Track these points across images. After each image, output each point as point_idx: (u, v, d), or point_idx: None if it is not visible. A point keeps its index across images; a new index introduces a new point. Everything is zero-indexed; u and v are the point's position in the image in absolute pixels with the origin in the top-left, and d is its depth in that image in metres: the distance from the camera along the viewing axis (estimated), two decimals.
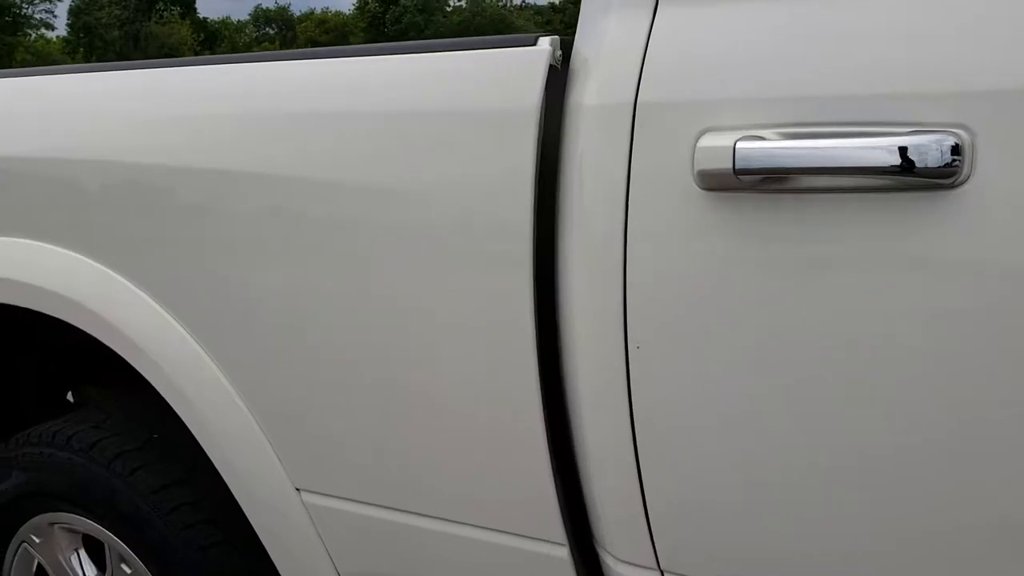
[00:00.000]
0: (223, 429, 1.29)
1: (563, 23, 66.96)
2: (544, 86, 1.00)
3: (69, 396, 2.11)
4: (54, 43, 53.00)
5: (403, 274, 1.09)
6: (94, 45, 51.40)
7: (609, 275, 0.96)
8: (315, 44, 61.97)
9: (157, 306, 1.29)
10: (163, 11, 55.41)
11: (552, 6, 71.51)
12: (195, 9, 60.41)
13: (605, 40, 0.99)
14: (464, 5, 62.12)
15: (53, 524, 1.59)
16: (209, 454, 1.32)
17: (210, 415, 1.29)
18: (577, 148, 0.99)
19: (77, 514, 1.53)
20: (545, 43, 1.02)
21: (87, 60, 48.47)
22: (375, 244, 1.10)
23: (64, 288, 1.34)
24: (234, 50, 57.68)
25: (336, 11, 70.46)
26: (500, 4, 64.40)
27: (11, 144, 1.44)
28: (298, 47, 59.73)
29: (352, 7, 66.73)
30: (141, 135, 1.28)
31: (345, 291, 1.14)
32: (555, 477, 1.07)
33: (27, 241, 1.39)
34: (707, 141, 0.89)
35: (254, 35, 66.92)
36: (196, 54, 51.93)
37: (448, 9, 61.32)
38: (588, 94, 0.99)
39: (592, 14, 1.03)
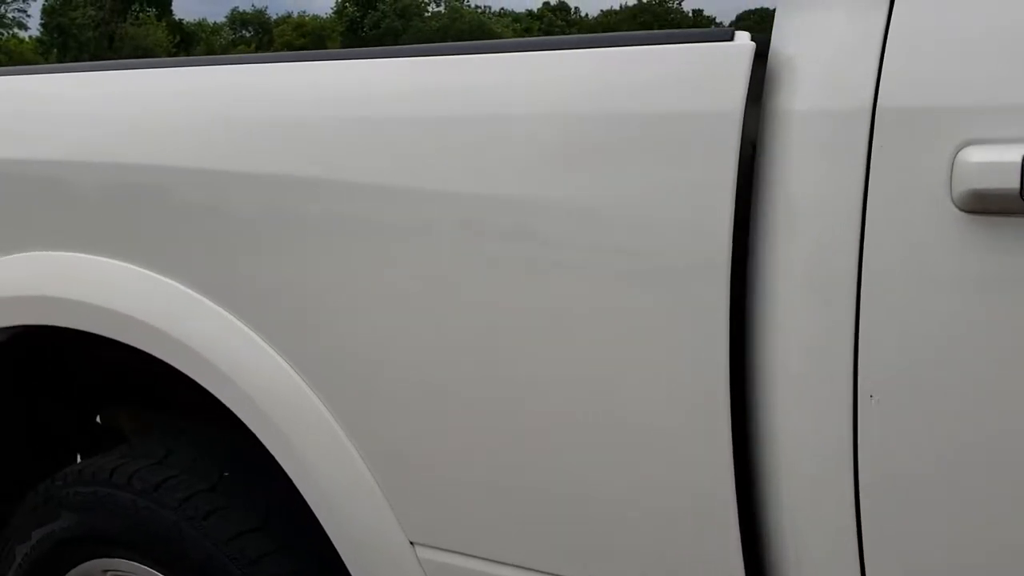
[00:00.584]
0: (326, 471, 1.13)
1: (541, 30, 67.14)
2: (747, 87, 0.86)
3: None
4: (27, 43, 52.16)
5: (556, 296, 0.95)
6: (68, 46, 50.64)
7: (836, 312, 0.82)
8: (291, 48, 61.56)
9: (249, 331, 1.13)
10: (138, 12, 54.67)
11: (530, 13, 71.75)
12: (171, 11, 59.77)
13: (825, 37, 0.85)
14: (443, 11, 62.02)
15: (106, 571, 1.42)
16: (307, 499, 1.16)
17: (311, 455, 1.13)
18: (787, 159, 0.85)
19: (136, 561, 1.37)
20: (744, 38, 0.88)
21: (61, 61, 47.77)
22: (527, 260, 0.96)
23: (135, 310, 1.18)
24: (210, 52, 57.15)
25: (313, 15, 70.10)
26: (479, 10, 64.39)
27: (65, 145, 1.28)
28: (274, 50, 59.30)
29: (330, 11, 66.44)
30: (237, 137, 1.13)
31: (485, 314, 0.99)
32: (741, 536, 0.93)
33: (90, 257, 1.22)
34: (976, 156, 0.75)
35: (230, 38, 66.36)
36: (172, 56, 51.42)
37: (427, 14, 61.19)
38: (802, 98, 0.85)
39: (798, 8, 0.89)
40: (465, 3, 64.15)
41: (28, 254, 1.26)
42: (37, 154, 1.32)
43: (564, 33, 66.24)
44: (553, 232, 0.94)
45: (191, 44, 57.95)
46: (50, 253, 1.25)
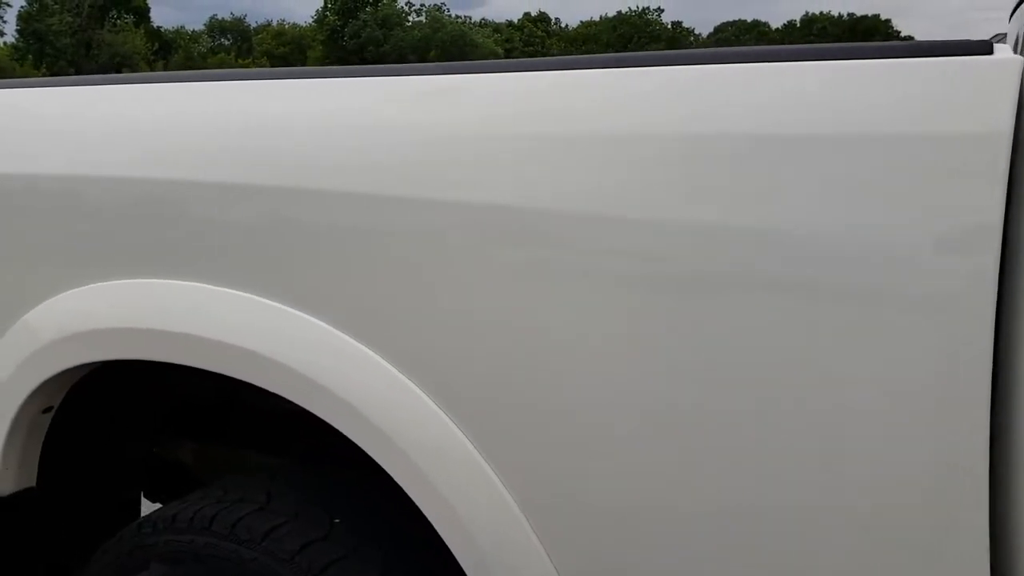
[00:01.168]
0: (479, 523, 1.02)
1: (522, 41, 67.27)
2: (1018, 105, 0.76)
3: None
4: (2, 49, 51.47)
5: (800, 329, 0.84)
6: (44, 52, 50.03)
7: None
8: (271, 56, 61.18)
9: (397, 372, 1.02)
10: (116, 19, 54.08)
11: (510, 23, 71.93)
12: (149, 18, 59.22)
13: None
14: (424, 20, 61.93)
15: None
16: (456, 551, 1.04)
17: (462, 504, 1.02)
18: None
19: None
20: (1006, 51, 0.79)
21: (36, 67, 47.17)
22: (759, 292, 0.85)
23: (273, 351, 1.06)
24: (188, 59, 56.61)
25: (293, 23, 69.77)
26: (459, 20, 64.34)
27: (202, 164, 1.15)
28: (254, 59, 58.90)
29: (310, 20, 66.16)
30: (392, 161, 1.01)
31: (706, 355, 0.88)
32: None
33: (223, 290, 1.10)
34: None
35: (209, 45, 65.93)
36: (150, 63, 50.80)
37: (408, 24, 61.06)
38: None
39: None
40: (446, 13, 64.08)
41: (132, 281, 1.14)
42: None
43: (544, 44, 66.34)
44: (794, 264, 0.83)
45: (170, 52, 57.48)
46: (160, 281, 1.13)
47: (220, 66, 53.11)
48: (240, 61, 57.92)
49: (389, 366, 1.02)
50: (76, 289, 1.22)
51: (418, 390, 1.02)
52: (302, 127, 1.07)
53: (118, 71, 46.02)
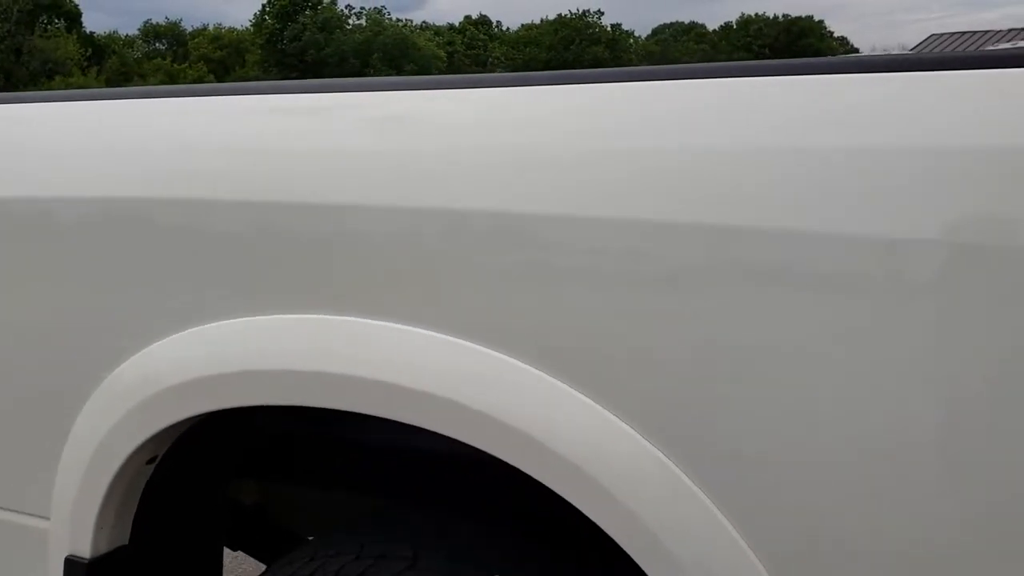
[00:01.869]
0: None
1: (464, 43, 67.17)
2: None
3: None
4: None
5: None
6: None
7: None
8: (208, 60, 60.09)
9: (627, 427, 0.92)
10: (47, 24, 52.57)
11: (451, 27, 71.76)
12: (81, 23, 57.62)
13: None
14: (364, 24, 61.41)
15: None
16: None
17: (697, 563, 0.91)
18: None
19: None
20: None
21: None
22: None
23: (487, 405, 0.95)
24: (123, 65, 55.30)
25: (230, 27, 68.56)
26: (400, 24, 63.93)
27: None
28: (191, 64, 57.76)
29: (248, 23, 65.17)
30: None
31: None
32: None
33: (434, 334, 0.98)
34: None
35: (144, 50, 64.49)
36: (83, 69, 49.49)
37: (348, 27, 60.47)
38: None
39: None
40: (386, 16, 63.62)
41: (298, 317, 1.02)
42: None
43: (486, 48, 66.31)
44: None
45: (103, 57, 56.07)
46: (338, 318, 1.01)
47: (158, 71, 52.08)
48: (176, 66, 56.66)
49: (608, 413, 0.91)
50: (218, 323, 1.09)
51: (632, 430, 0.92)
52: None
53: (51, 78, 44.79)
